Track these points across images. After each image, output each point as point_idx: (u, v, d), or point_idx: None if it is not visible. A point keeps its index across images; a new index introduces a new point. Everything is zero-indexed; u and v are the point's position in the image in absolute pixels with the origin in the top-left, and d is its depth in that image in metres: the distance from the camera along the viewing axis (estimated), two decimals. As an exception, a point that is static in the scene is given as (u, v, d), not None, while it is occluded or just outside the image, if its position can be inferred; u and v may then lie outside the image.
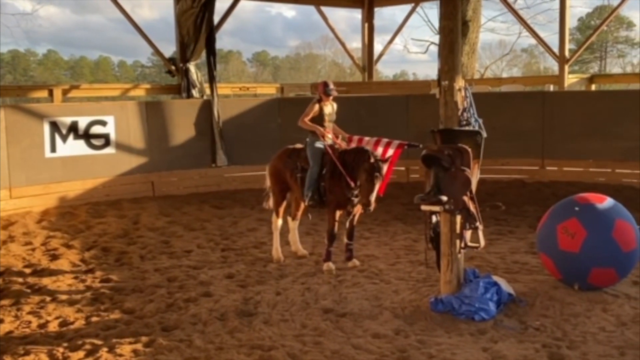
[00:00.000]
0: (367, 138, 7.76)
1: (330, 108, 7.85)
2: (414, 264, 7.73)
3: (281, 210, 8.11)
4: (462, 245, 6.16)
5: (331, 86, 7.78)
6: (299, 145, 8.06)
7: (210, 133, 11.96)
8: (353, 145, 7.75)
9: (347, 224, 7.69)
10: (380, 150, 7.55)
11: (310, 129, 7.72)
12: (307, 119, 7.72)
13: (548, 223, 6.71)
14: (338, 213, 7.58)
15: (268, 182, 8.29)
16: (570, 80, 14.58)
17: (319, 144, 7.68)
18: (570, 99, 12.39)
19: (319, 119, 7.76)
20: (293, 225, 8.28)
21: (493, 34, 44.56)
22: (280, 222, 8.14)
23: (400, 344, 5.43)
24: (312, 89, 16.32)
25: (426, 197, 5.99)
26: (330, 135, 7.74)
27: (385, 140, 7.68)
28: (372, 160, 7.00)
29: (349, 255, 7.73)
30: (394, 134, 11.96)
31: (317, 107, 7.76)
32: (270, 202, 8.28)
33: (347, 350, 5.32)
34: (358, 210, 7.57)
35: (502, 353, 5.19)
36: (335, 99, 7.96)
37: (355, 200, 7.34)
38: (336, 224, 7.57)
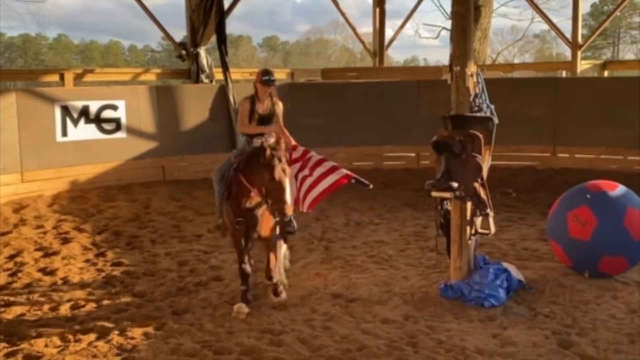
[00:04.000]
0: (313, 153, 6.41)
1: (269, 105, 6.23)
2: (424, 250, 7.73)
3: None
4: (473, 231, 6.14)
5: (272, 76, 6.16)
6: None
7: (227, 119, 11.92)
8: (295, 155, 6.35)
9: (265, 259, 6.09)
10: (319, 171, 6.30)
11: (255, 132, 6.12)
12: (246, 122, 6.14)
13: (559, 210, 6.68)
14: (240, 242, 5.96)
15: None
16: (583, 66, 14.49)
17: (238, 148, 6.25)
18: (583, 85, 12.29)
19: (248, 118, 6.17)
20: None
21: (505, 19, 44.40)
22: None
23: (409, 329, 5.44)
24: (323, 74, 16.32)
25: (437, 183, 5.97)
26: (268, 138, 5.98)
27: (330, 163, 6.34)
28: (267, 152, 5.50)
29: (274, 292, 6.11)
30: (404, 120, 12.08)
31: (247, 104, 6.16)
32: None
33: (357, 335, 5.33)
34: (265, 239, 6.01)
35: (512, 339, 5.19)
36: (281, 97, 6.47)
37: (238, 227, 5.82)
38: (243, 256, 5.97)
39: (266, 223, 5.86)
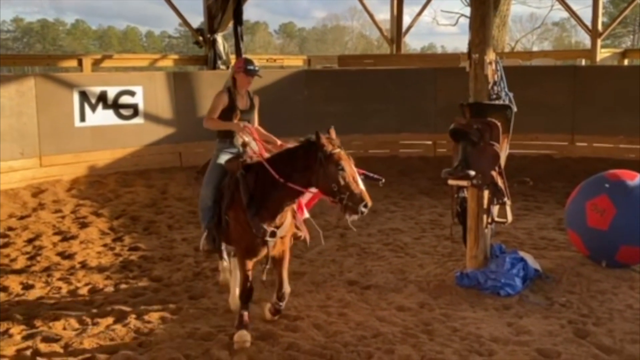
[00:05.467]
0: None
1: (247, 101, 5.45)
2: (440, 238, 7.72)
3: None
4: (489, 220, 6.12)
5: (255, 65, 5.43)
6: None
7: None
8: None
9: (276, 276, 5.23)
10: None
11: (222, 128, 5.37)
12: (215, 116, 5.34)
13: (577, 199, 6.64)
14: (249, 261, 5.03)
15: None
16: (603, 54, 14.35)
17: (222, 158, 5.26)
18: (602, 74, 12.18)
19: (227, 114, 5.34)
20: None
21: (524, 7, 43.95)
22: (225, 263, 5.73)
23: (424, 317, 5.45)
24: (340, 61, 16.26)
25: (454, 171, 5.95)
26: (249, 135, 5.30)
27: None
28: (324, 141, 4.64)
29: (274, 311, 5.32)
30: (421, 108, 12.04)
31: (225, 97, 5.36)
32: None
33: (372, 322, 5.35)
34: (284, 252, 5.17)
35: (527, 328, 5.18)
36: (257, 92, 5.65)
37: (272, 241, 4.91)
38: (249, 276, 5.04)
39: (289, 233, 5.18)
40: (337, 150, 4.65)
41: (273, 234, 4.89)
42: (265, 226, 4.84)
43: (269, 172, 4.80)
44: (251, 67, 5.35)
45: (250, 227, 4.83)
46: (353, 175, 4.63)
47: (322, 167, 4.62)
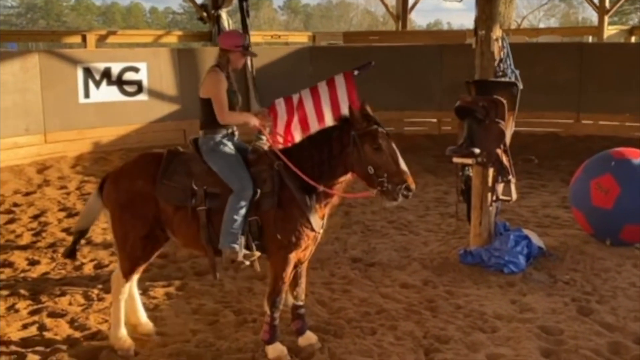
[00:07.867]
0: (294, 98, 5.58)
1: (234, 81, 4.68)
2: (444, 216, 7.73)
3: (140, 270, 4.80)
4: (494, 198, 6.12)
5: (247, 40, 4.66)
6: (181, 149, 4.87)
7: (244, 82, 11.91)
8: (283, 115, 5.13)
9: (299, 278, 4.65)
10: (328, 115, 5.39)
11: (244, 121, 4.74)
12: (227, 107, 4.58)
13: (582, 178, 6.63)
14: (293, 261, 4.40)
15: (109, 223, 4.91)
16: (610, 31, 14.25)
17: (227, 145, 4.66)
18: (609, 51, 12.10)
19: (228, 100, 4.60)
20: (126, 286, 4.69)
21: (531, -17, 43.52)
22: (127, 288, 4.70)
23: (428, 294, 5.47)
24: (345, 38, 16.17)
25: (458, 149, 5.93)
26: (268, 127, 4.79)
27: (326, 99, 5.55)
28: (357, 115, 4.22)
29: (300, 325, 4.63)
30: (427, 85, 11.98)
31: (225, 81, 4.55)
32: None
33: (376, 298, 5.37)
34: (307, 253, 4.55)
35: (531, 306, 5.20)
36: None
37: (320, 231, 4.43)
38: (288, 280, 4.46)
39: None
40: (374, 126, 4.18)
41: (322, 226, 4.46)
42: (318, 219, 4.36)
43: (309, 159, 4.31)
44: (247, 44, 4.60)
45: (309, 223, 4.29)
46: (393, 155, 4.16)
47: (356, 148, 4.16)
